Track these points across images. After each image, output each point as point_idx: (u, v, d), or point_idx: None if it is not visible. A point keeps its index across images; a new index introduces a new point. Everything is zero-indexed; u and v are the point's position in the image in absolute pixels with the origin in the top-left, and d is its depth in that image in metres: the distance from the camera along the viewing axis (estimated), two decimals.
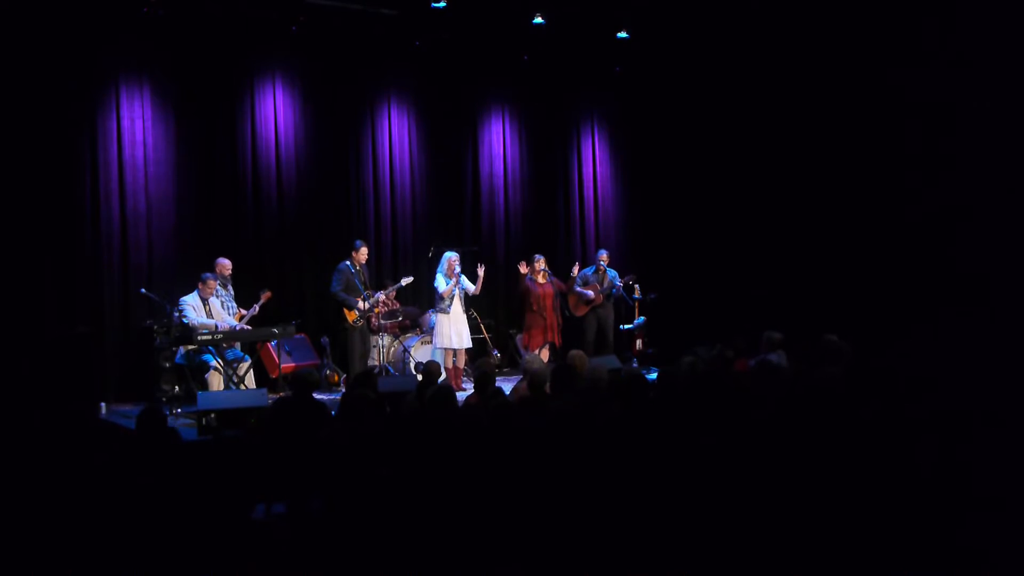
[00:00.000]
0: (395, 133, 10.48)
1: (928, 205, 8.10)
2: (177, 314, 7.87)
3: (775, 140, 10.37)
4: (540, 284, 9.71)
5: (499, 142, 11.19)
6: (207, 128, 9.30)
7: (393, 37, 10.05)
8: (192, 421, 7.19)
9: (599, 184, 11.84)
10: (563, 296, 9.93)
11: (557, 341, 9.68)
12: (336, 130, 10.09)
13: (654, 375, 6.58)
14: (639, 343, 10.40)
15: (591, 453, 4.11)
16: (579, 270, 10.07)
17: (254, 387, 7.99)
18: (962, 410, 4.14)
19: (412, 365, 9.16)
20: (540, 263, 9.75)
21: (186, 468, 4.17)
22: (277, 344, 8.51)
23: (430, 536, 3.52)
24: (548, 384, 5.64)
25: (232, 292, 8.70)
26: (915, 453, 3.87)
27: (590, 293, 9.92)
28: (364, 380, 6.00)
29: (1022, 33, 7.38)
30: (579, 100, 11.71)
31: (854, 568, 3.37)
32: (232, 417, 6.85)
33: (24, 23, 8.04)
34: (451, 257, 9.04)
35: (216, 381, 7.96)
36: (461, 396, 6.38)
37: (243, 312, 8.63)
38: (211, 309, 8.11)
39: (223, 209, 9.35)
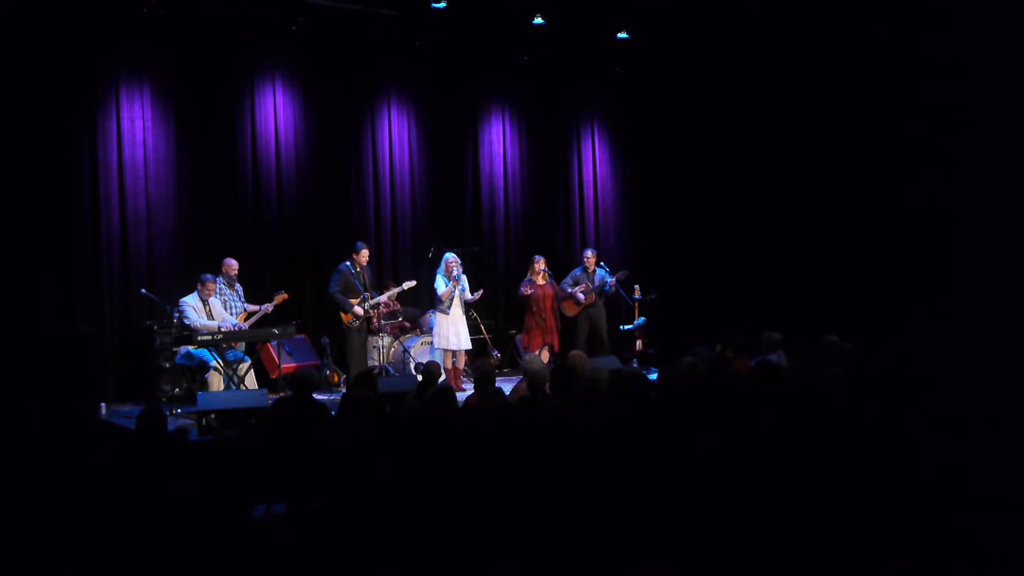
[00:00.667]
0: (395, 133, 10.48)
1: (928, 205, 8.10)
2: (177, 315, 7.87)
3: (775, 140, 10.38)
4: (539, 286, 9.64)
5: (499, 142, 11.19)
6: (207, 128, 9.30)
7: (393, 37, 10.05)
8: (192, 421, 7.20)
9: (599, 184, 11.84)
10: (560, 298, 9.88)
11: (555, 344, 9.59)
12: (336, 130, 10.09)
13: (654, 375, 6.58)
14: (639, 343, 10.37)
15: (591, 453, 4.10)
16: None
17: (254, 387, 7.99)
18: (962, 410, 4.14)
19: (412, 365, 9.17)
20: (540, 264, 9.67)
21: (186, 468, 4.17)
22: (277, 344, 8.50)
23: (430, 536, 3.53)
24: (548, 384, 5.65)
25: (240, 291, 8.68)
26: (915, 453, 3.87)
27: (581, 296, 9.75)
28: (364, 380, 5.99)
29: (1022, 33, 7.38)
30: (579, 100, 11.71)
31: (854, 567, 3.37)
32: (232, 417, 6.85)
33: (24, 23, 8.05)
34: (449, 259, 9.03)
35: (216, 381, 7.95)
36: (461, 397, 6.37)
37: (249, 310, 8.60)
38: (211, 310, 8.09)
39: (223, 209, 9.36)
